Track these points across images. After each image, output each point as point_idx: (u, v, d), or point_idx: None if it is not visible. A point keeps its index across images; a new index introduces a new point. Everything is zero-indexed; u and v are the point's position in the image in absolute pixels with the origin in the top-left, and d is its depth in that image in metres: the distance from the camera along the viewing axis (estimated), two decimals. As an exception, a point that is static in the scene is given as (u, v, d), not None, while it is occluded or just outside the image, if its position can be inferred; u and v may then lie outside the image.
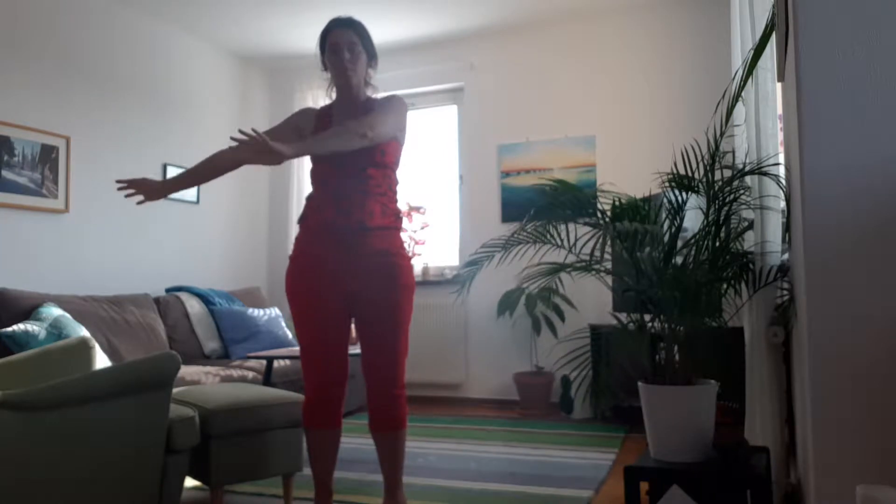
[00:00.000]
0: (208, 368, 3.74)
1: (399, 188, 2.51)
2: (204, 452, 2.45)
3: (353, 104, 2.46)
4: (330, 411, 2.37)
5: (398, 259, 2.40)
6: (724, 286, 2.25)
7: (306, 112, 2.55)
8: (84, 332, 3.41)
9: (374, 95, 2.52)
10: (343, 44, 2.38)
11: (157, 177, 4.69)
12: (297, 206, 5.47)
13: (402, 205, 2.57)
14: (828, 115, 1.43)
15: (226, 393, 2.62)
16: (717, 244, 2.14)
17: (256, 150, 2.04)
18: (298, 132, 2.50)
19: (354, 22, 2.42)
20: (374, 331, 2.37)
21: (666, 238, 2.18)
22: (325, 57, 2.45)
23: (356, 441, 3.79)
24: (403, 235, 2.75)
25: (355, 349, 3.51)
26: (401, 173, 2.52)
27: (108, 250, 4.32)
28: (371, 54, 2.46)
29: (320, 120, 2.48)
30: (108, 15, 4.39)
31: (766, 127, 2.44)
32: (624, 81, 4.77)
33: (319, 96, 5.47)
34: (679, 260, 2.15)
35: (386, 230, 2.41)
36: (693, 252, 2.13)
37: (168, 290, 4.57)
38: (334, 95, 2.52)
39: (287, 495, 2.64)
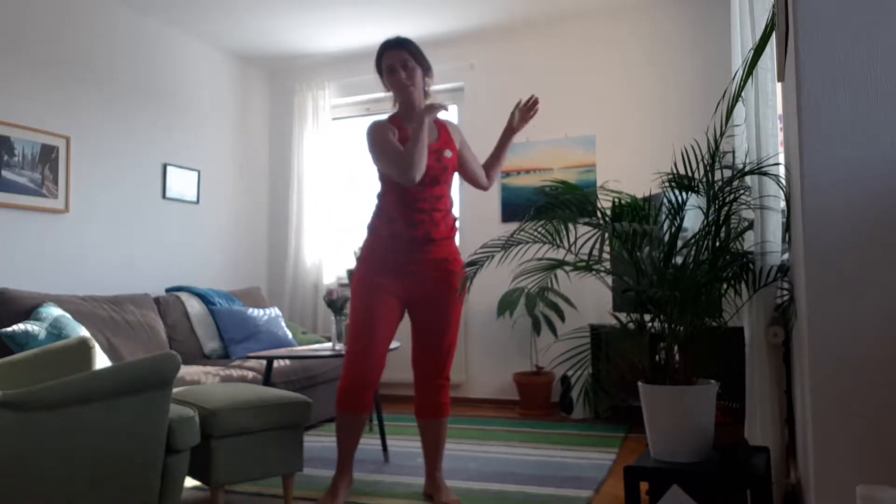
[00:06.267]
0: (208, 368, 3.74)
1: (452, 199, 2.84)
2: (204, 452, 2.45)
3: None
4: (362, 396, 2.63)
5: (454, 266, 2.73)
6: (724, 286, 2.24)
7: (383, 125, 2.71)
8: (84, 332, 3.41)
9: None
10: (397, 64, 2.64)
11: (158, 176, 4.69)
12: (297, 207, 5.47)
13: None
14: (828, 115, 1.43)
15: (226, 393, 2.62)
16: (717, 244, 2.14)
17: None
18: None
19: (403, 41, 2.66)
20: (428, 332, 2.70)
21: (666, 238, 2.18)
22: (384, 80, 2.71)
23: (356, 441, 3.79)
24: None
25: (396, 344, 3.54)
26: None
27: (108, 250, 4.32)
28: (425, 67, 2.71)
29: (399, 130, 2.70)
30: (109, 15, 4.39)
31: (766, 127, 2.44)
32: (624, 81, 4.77)
33: (319, 96, 5.48)
34: (679, 260, 2.15)
35: (447, 239, 2.72)
36: (693, 252, 2.13)
37: (168, 290, 4.57)
38: (397, 108, 2.76)
39: (287, 495, 2.64)
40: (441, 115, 2.71)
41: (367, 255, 2.71)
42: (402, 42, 2.65)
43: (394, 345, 3.61)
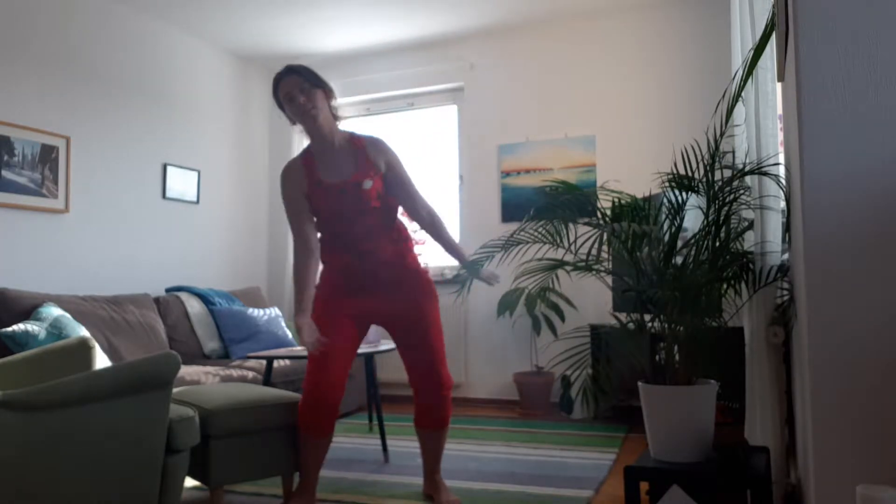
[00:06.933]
0: (208, 368, 3.74)
1: (398, 208, 2.70)
2: (204, 452, 2.45)
3: (331, 146, 2.60)
4: (322, 419, 2.50)
5: (414, 273, 2.66)
6: (724, 286, 2.25)
7: (292, 170, 2.62)
8: (84, 332, 3.41)
9: (354, 133, 2.67)
10: (294, 91, 2.51)
11: (158, 176, 4.69)
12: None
13: (402, 218, 2.79)
14: (828, 115, 1.43)
15: (226, 393, 2.62)
16: (717, 244, 2.14)
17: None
18: (304, 193, 2.60)
19: (294, 68, 2.55)
20: (408, 338, 2.65)
21: (666, 238, 2.18)
22: (286, 112, 2.58)
23: (356, 441, 3.79)
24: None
25: (362, 349, 3.53)
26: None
27: (108, 250, 4.32)
28: (325, 88, 2.58)
29: (309, 173, 2.59)
30: (109, 15, 4.39)
31: (766, 127, 2.44)
32: (624, 81, 4.77)
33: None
34: (679, 260, 2.15)
35: (400, 256, 2.65)
36: (693, 252, 2.13)
37: (168, 290, 4.57)
38: (307, 141, 2.65)
39: (287, 495, 2.64)
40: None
41: (325, 279, 2.67)
42: (293, 69, 2.53)
43: (391, 345, 3.61)
